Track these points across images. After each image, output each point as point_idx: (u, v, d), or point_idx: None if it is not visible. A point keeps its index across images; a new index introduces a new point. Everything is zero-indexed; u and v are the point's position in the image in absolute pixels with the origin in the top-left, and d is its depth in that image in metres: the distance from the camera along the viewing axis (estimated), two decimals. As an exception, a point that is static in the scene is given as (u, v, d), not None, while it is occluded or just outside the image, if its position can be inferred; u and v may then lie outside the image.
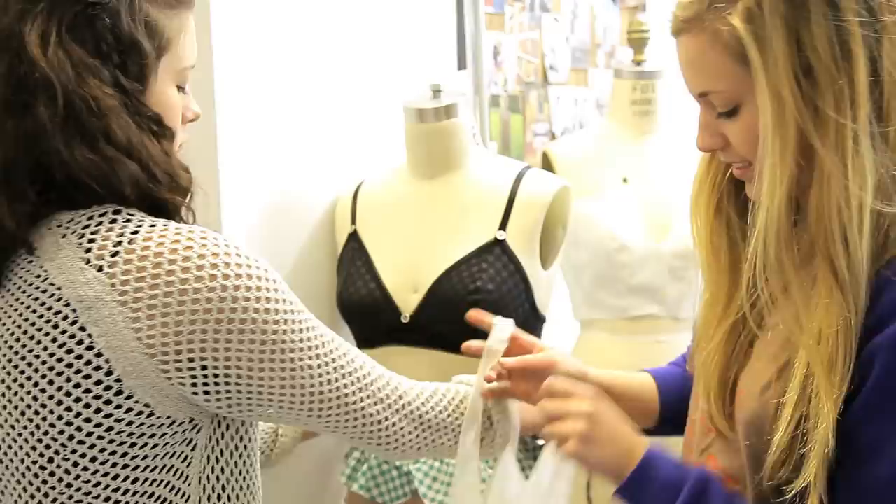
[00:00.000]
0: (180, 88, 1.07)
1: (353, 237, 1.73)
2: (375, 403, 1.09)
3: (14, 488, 1.00)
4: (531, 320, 1.65)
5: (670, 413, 1.33)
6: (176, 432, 0.99)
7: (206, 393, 0.98)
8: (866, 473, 0.95)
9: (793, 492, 0.97)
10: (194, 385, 0.97)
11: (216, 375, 0.97)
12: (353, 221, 1.75)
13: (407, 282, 1.65)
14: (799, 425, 0.98)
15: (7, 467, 1.00)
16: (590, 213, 2.00)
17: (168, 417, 0.98)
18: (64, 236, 0.98)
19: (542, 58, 2.51)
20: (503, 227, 1.62)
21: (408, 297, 1.64)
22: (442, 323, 1.61)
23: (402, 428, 1.12)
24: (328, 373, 1.04)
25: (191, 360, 0.96)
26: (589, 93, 2.70)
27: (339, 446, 1.83)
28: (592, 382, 1.25)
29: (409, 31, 2.01)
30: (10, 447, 0.99)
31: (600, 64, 2.73)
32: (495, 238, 1.62)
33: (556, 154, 2.10)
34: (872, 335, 0.95)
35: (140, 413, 0.96)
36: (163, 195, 1.00)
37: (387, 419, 1.10)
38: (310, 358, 1.02)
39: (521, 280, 1.61)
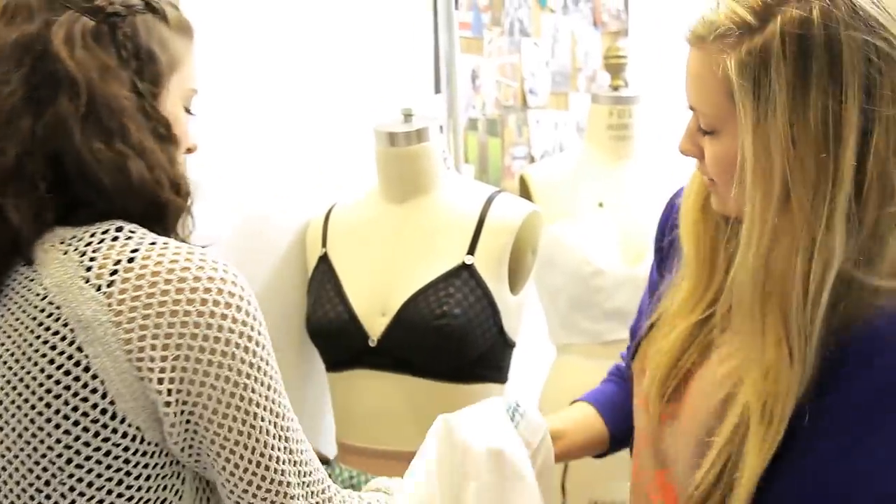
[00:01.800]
0: (187, 111, 1.11)
1: (324, 260, 1.73)
2: (306, 498, 1.03)
3: None
4: (499, 346, 1.65)
5: (620, 433, 1.35)
6: (166, 463, 0.99)
7: (172, 425, 0.96)
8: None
9: None
10: (167, 412, 0.96)
11: (183, 411, 0.96)
12: (324, 244, 1.75)
13: (375, 305, 1.65)
14: (723, 470, 1.02)
15: (3, 485, 1.00)
16: (565, 236, 2.00)
17: (157, 445, 0.98)
18: (66, 253, 0.98)
19: (522, 82, 2.52)
20: (471, 251, 1.62)
21: (376, 321, 1.64)
22: (409, 347, 1.60)
23: None
24: (279, 449, 1.00)
25: (170, 387, 0.95)
26: (569, 116, 2.70)
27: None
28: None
29: (386, 55, 2.01)
30: (4, 469, 0.99)
31: (581, 88, 2.74)
32: (463, 262, 1.61)
33: (533, 177, 2.10)
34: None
35: (134, 438, 0.96)
36: (166, 196, 1.02)
37: None
38: (269, 423, 0.99)
39: (488, 305, 1.60)
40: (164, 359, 0.95)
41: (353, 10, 1.91)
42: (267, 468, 1.00)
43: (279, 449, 1.00)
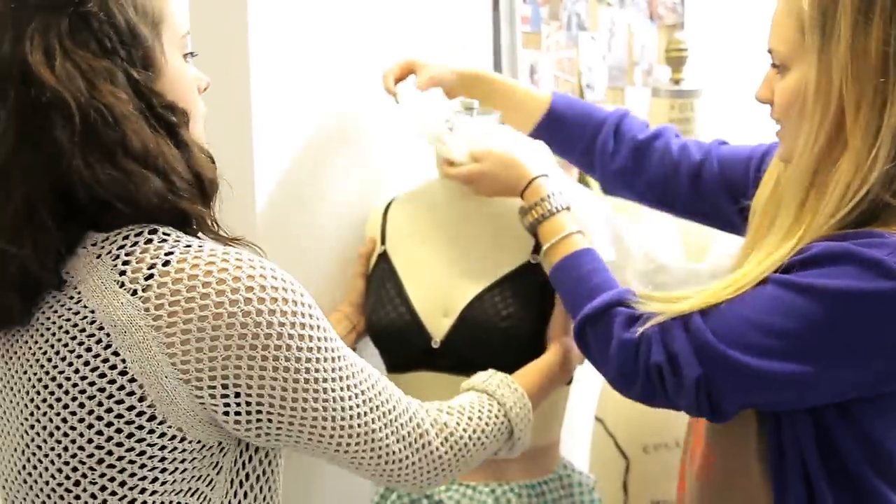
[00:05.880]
0: (186, 59, 1.04)
1: (383, 258, 1.68)
2: (398, 441, 1.07)
3: None
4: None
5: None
6: (205, 456, 0.98)
7: (237, 421, 0.97)
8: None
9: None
10: (227, 412, 0.96)
11: (248, 403, 0.96)
12: (383, 241, 1.69)
13: (437, 306, 1.60)
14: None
15: (31, 487, 0.98)
16: (627, 233, 1.98)
17: (199, 442, 0.97)
18: (99, 256, 0.96)
19: (579, 76, 2.50)
20: (537, 250, 1.55)
21: (438, 322, 1.59)
22: (474, 349, 1.54)
23: (420, 468, 1.10)
24: (358, 406, 1.03)
25: (224, 385, 0.95)
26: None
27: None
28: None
29: (446, 50, 2.00)
30: (35, 468, 0.97)
31: (637, 82, 2.70)
32: (529, 261, 1.57)
33: (593, 173, 2.07)
34: None
35: (173, 438, 0.95)
36: (184, 206, 0.97)
37: (407, 458, 1.08)
38: (341, 389, 1.01)
39: (555, 306, 1.53)
40: (212, 360, 0.93)
41: (411, 4, 1.90)
42: (351, 428, 1.02)
43: (358, 406, 1.02)
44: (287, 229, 1.66)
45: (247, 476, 1.02)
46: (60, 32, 0.93)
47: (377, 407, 1.05)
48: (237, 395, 0.95)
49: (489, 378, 1.30)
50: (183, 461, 0.97)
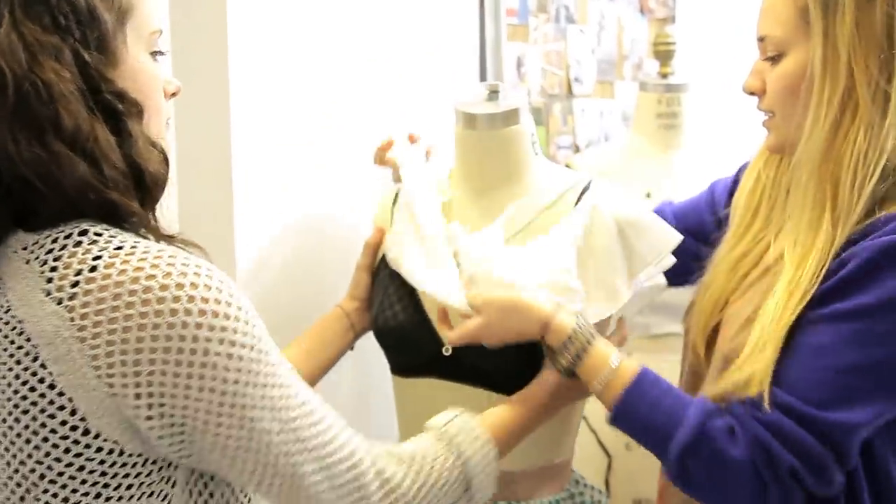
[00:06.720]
0: (154, 57, 1.00)
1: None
2: (332, 489, 0.98)
3: None
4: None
5: None
6: (151, 470, 0.93)
7: (160, 437, 0.91)
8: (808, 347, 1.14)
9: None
10: (151, 427, 0.90)
11: (172, 424, 0.91)
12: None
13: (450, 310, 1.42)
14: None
15: None
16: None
17: (140, 455, 0.92)
18: (28, 262, 0.91)
19: (567, 70, 2.48)
20: None
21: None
22: (486, 359, 1.39)
23: None
24: (286, 443, 0.94)
25: (150, 405, 0.89)
26: (615, 105, 2.66)
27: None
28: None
29: (430, 43, 1.98)
30: None
31: (627, 76, 2.69)
32: None
33: (580, 167, 2.07)
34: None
35: (111, 452, 0.91)
36: (112, 198, 0.92)
37: None
38: (270, 420, 0.93)
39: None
40: (137, 374, 0.88)
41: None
42: (275, 465, 0.95)
43: (287, 443, 0.94)
44: (268, 223, 1.64)
45: (205, 485, 0.97)
46: (13, 3, 0.91)
47: (310, 449, 0.96)
48: (161, 415, 0.90)
49: (450, 421, 1.20)
50: (127, 476, 0.92)
